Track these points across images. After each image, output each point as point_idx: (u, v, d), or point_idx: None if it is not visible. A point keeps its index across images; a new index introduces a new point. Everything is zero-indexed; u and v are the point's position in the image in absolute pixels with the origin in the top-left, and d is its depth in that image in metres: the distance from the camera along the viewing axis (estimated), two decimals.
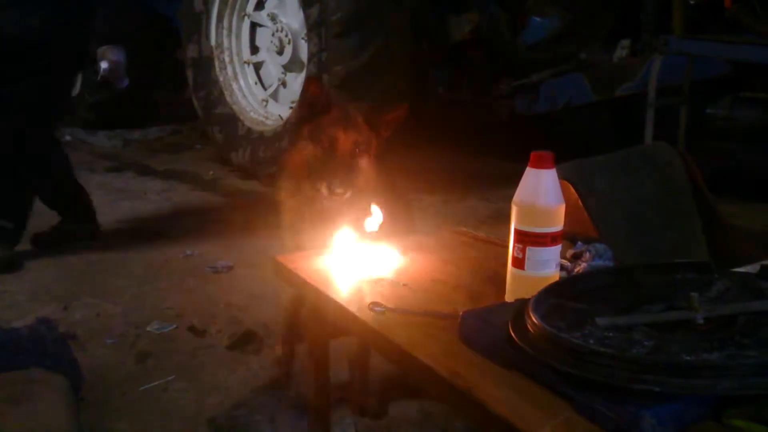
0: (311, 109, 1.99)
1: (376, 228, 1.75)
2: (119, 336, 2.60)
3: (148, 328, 2.65)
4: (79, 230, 3.56)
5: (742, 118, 3.78)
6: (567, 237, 1.49)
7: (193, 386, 2.29)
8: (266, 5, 4.80)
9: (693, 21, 3.82)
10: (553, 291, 1.30)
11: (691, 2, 3.83)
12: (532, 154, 1.42)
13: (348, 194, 1.91)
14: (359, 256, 1.72)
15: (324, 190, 1.90)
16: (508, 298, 1.44)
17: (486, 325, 1.28)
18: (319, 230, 1.88)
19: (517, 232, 1.42)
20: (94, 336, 2.59)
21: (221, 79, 4.92)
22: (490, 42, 4.63)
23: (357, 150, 1.95)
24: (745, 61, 3.68)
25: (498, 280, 1.51)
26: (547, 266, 1.42)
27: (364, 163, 1.97)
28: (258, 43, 4.92)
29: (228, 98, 4.89)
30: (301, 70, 4.55)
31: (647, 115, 3.74)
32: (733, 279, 1.36)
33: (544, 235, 1.40)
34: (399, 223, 2.02)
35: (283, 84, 4.78)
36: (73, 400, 1.79)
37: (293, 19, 4.57)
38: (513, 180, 1.47)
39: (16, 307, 2.82)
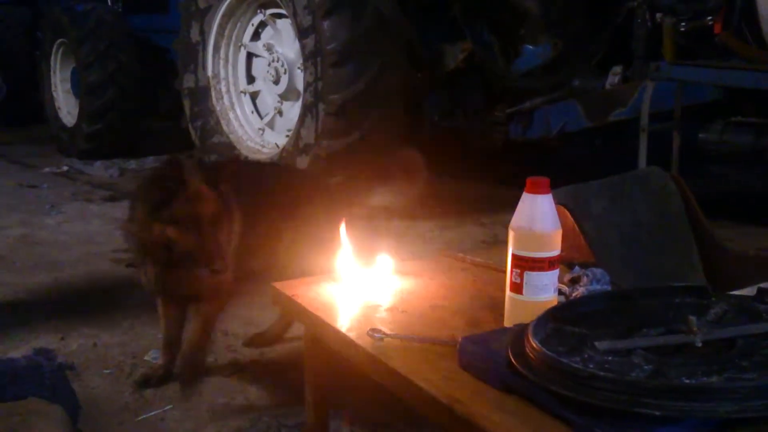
0: (165, 191, 2.06)
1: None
2: (116, 366, 2.59)
3: (145, 357, 2.64)
4: None
5: (733, 142, 3.81)
6: (564, 262, 1.49)
7: (190, 415, 2.27)
8: (262, 36, 4.85)
9: (683, 47, 3.87)
10: (551, 316, 1.31)
11: (682, 29, 3.88)
12: (528, 180, 1.43)
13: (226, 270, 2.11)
14: (357, 283, 1.72)
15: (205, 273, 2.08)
16: (507, 323, 1.44)
17: (485, 351, 1.28)
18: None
19: (514, 257, 1.43)
20: (91, 366, 2.57)
21: (218, 108, 4.96)
22: (484, 70, 4.68)
23: (217, 222, 2.09)
24: (735, 86, 3.71)
25: (496, 306, 1.52)
26: (545, 291, 1.42)
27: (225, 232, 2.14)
28: (254, 72, 4.96)
29: (225, 127, 4.92)
30: (297, 99, 4.59)
31: (640, 140, 3.77)
32: (730, 302, 1.37)
33: (542, 260, 1.41)
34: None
35: (280, 113, 4.82)
36: (70, 430, 1.78)
37: (289, 49, 4.62)
38: (509, 205, 1.48)
39: (12, 338, 2.80)
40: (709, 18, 3.82)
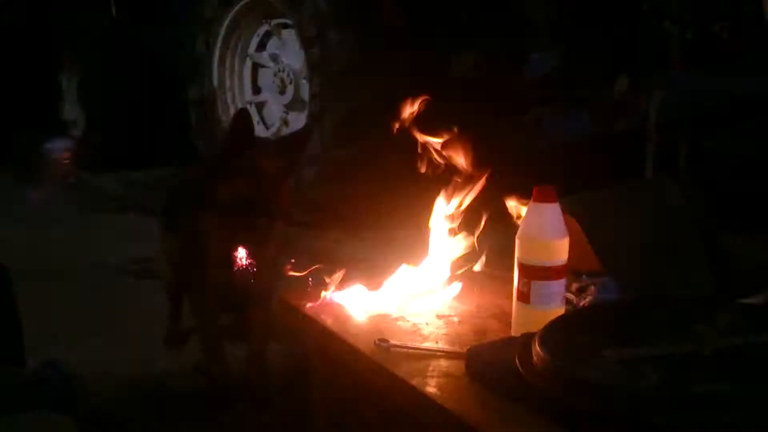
0: (238, 143, 2.04)
1: None
2: (125, 377, 2.58)
3: (154, 369, 2.63)
4: None
5: (742, 150, 3.80)
6: (572, 271, 1.49)
7: (200, 427, 2.27)
8: (268, 46, 4.86)
9: (691, 55, 3.86)
10: (559, 325, 1.30)
11: (689, 36, 3.88)
12: (535, 189, 1.43)
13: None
14: (364, 292, 1.72)
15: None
16: (515, 332, 1.44)
17: (493, 360, 1.28)
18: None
19: (521, 266, 1.42)
20: (99, 377, 2.57)
21: (224, 119, 4.96)
22: (490, 79, 4.67)
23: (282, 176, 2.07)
24: (744, 93, 3.70)
25: (503, 315, 1.51)
26: (553, 300, 1.42)
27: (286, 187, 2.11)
28: (260, 83, 4.97)
29: None
30: (302, 110, 4.59)
31: (647, 148, 3.76)
32: (738, 310, 1.36)
33: (549, 269, 1.41)
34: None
35: (285, 123, 4.82)
36: None
37: (294, 59, 4.62)
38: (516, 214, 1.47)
39: None
40: (717, 25, 3.82)
